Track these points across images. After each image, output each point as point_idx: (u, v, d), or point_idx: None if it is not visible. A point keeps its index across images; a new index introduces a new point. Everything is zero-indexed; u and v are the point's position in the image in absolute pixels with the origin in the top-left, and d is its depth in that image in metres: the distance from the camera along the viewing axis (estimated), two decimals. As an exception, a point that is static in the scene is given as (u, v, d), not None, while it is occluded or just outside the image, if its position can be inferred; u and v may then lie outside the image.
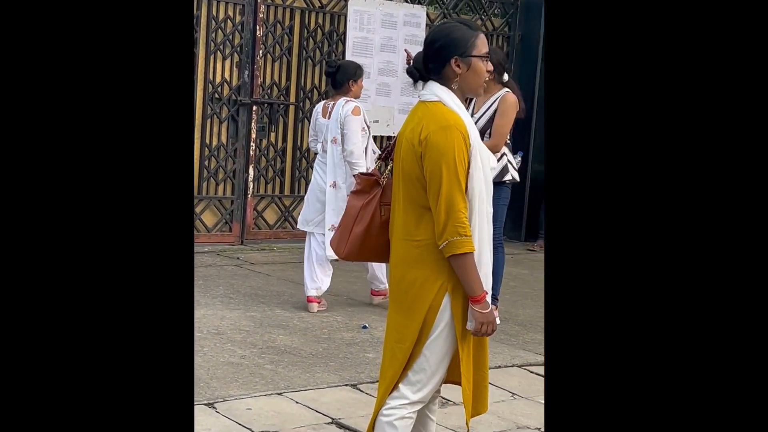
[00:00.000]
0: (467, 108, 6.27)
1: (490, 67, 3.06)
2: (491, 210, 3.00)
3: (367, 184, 3.18)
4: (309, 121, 8.33)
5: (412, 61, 3.07)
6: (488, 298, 2.95)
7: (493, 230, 6.31)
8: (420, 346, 2.99)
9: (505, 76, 6.02)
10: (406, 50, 6.34)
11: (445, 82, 2.95)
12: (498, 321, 6.36)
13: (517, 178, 6.15)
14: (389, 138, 7.96)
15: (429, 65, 2.95)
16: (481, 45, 2.94)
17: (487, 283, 2.95)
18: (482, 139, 6.10)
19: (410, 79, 3.05)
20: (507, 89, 5.93)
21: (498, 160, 6.07)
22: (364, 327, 5.53)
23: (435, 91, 2.94)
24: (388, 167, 3.14)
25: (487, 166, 2.96)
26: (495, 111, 5.85)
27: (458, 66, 2.91)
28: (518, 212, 9.18)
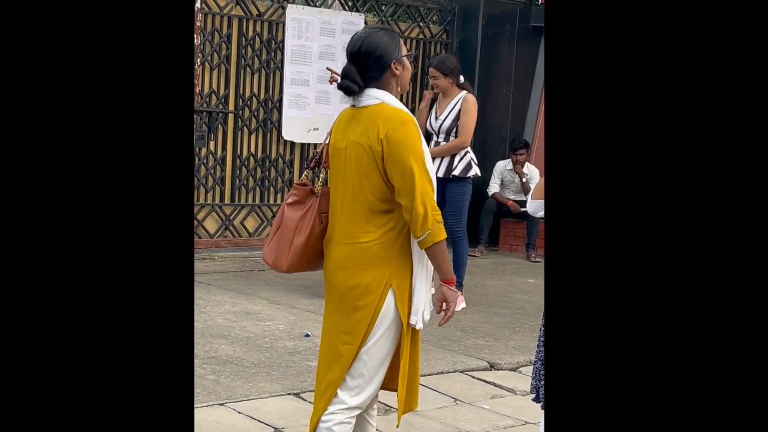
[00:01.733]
0: (430, 112, 6.64)
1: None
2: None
3: (303, 195, 3.20)
4: (248, 129, 8.34)
5: (340, 77, 3.09)
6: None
7: (458, 223, 6.76)
8: (358, 350, 3.04)
9: (461, 79, 6.71)
10: (328, 68, 6.32)
11: (384, 86, 3.08)
12: (464, 305, 6.74)
13: (479, 174, 6.79)
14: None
15: (370, 74, 3.05)
16: (402, 45, 3.15)
17: (422, 305, 3.09)
18: (449, 138, 6.45)
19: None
20: (465, 91, 6.67)
21: (462, 158, 6.57)
22: (306, 335, 5.52)
23: (376, 95, 3.06)
24: (322, 176, 3.20)
25: (430, 161, 3.10)
26: (459, 111, 6.53)
27: (397, 68, 3.08)
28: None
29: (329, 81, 6.13)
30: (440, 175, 6.70)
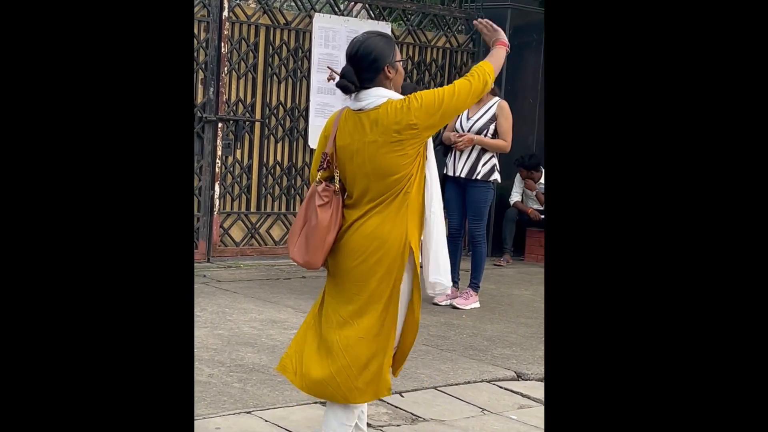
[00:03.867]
0: (463, 114, 6.78)
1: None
2: (441, 204, 3.40)
3: (330, 196, 3.38)
4: (275, 138, 8.35)
5: (338, 77, 3.35)
6: (446, 284, 3.40)
7: (479, 227, 6.97)
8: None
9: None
10: (329, 67, 6.51)
11: (377, 87, 3.31)
12: (477, 305, 6.86)
13: (500, 180, 7.02)
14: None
15: (365, 75, 3.28)
16: (397, 51, 3.40)
17: (446, 273, 3.36)
18: (483, 135, 6.80)
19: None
20: (498, 97, 6.98)
21: (486, 162, 6.84)
22: (333, 344, 5.49)
23: (380, 93, 3.29)
24: (336, 177, 3.39)
25: (434, 157, 3.38)
26: (493, 115, 6.80)
27: (390, 72, 3.32)
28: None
29: (327, 79, 6.24)
30: (462, 175, 6.78)
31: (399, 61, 3.36)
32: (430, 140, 3.35)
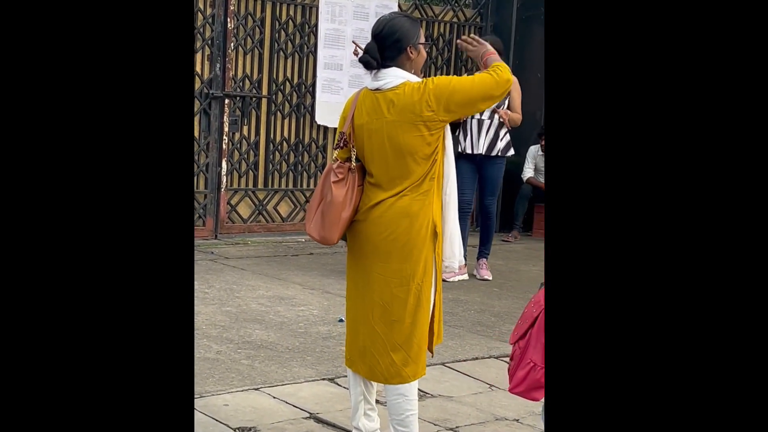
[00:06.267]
0: None
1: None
2: (455, 182, 3.52)
3: (345, 172, 3.47)
4: (281, 114, 8.34)
5: (362, 52, 3.44)
6: (455, 267, 3.58)
7: (494, 202, 7.18)
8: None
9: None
10: (354, 42, 6.52)
11: (399, 66, 3.40)
12: (489, 276, 7.12)
13: (514, 153, 7.21)
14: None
15: (387, 53, 3.38)
16: (421, 33, 3.48)
17: (459, 255, 3.54)
18: (493, 115, 6.87)
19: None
20: None
21: (503, 137, 7.01)
22: (341, 320, 5.51)
23: (400, 74, 3.39)
24: (353, 154, 3.47)
25: (450, 138, 3.49)
26: None
27: (412, 52, 3.41)
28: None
29: (353, 52, 6.29)
30: (481, 152, 6.87)
31: (422, 43, 3.45)
32: (448, 127, 3.42)
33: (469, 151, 6.91)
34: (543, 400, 3.30)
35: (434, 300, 3.49)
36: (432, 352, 3.58)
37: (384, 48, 3.38)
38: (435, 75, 9.26)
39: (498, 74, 3.38)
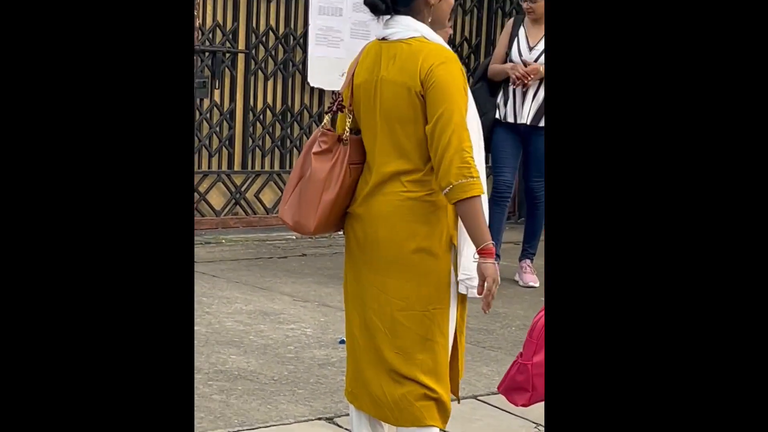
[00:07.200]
0: (511, 42, 6.77)
1: None
2: (483, 157, 3.42)
3: (331, 142, 3.45)
4: (263, 74, 8.33)
5: None
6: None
7: (542, 185, 7.13)
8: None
9: None
10: None
11: (415, 15, 3.34)
12: (536, 282, 7.11)
13: None
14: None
15: None
16: None
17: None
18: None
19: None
20: None
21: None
22: (342, 342, 5.49)
23: (412, 25, 3.33)
24: (348, 122, 3.44)
25: (475, 108, 3.41)
26: None
27: None
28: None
29: None
30: (527, 122, 6.82)
31: None
32: (469, 92, 3.35)
33: (510, 119, 6.87)
34: None
35: (454, 329, 3.45)
36: (457, 397, 3.54)
37: None
38: (463, 21, 9.24)
39: (467, 150, 3.21)
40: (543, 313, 3.54)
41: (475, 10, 9.39)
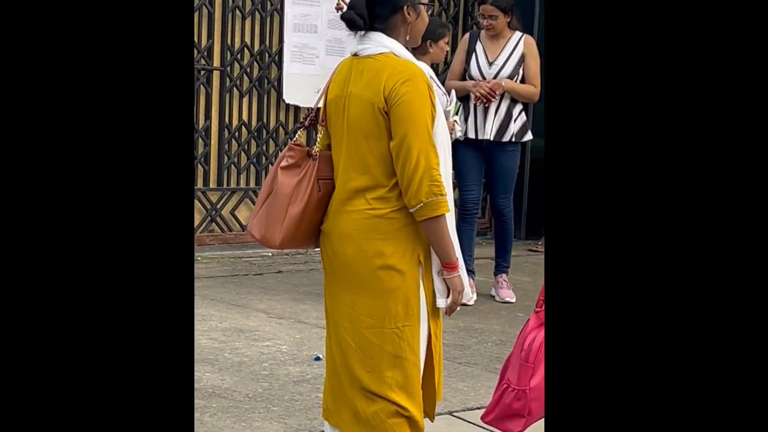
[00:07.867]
0: (469, 57, 6.78)
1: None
2: (450, 166, 3.45)
3: (299, 157, 3.48)
4: (239, 91, 8.33)
5: (346, 7, 3.45)
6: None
7: (508, 200, 7.16)
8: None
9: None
10: None
11: (390, 30, 3.39)
12: (512, 298, 7.14)
13: (531, 138, 7.17)
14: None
15: (378, 11, 3.36)
16: None
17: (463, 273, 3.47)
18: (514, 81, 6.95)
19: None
20: (519, 31, 6.99)
21: (517, 117, 6.96)
22: (317, 359, 5.49)
23: (383, 42, 3.37)
24: (319, 137, 3.50)
25: (444, 122, 3.43)
26: (522, 54, 6.90)
27: (409, 14, 3.39)
28: (517, 203, 9.17)
29: (335, 8, 6.41)
30: (490, 137, 6.82)
31: (423, 4, 3.44)
32: (440, 107, 3.37)
33: (472, 135, 6.86)
34: None
35: (427, 348, 3.45)
36: (432, 418, 3.55)
37: (374, 3, 3.36)
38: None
39: (435, 192, 3.24)
40: (534, 333, 3.59)
41: (450, 26, 9.41)
